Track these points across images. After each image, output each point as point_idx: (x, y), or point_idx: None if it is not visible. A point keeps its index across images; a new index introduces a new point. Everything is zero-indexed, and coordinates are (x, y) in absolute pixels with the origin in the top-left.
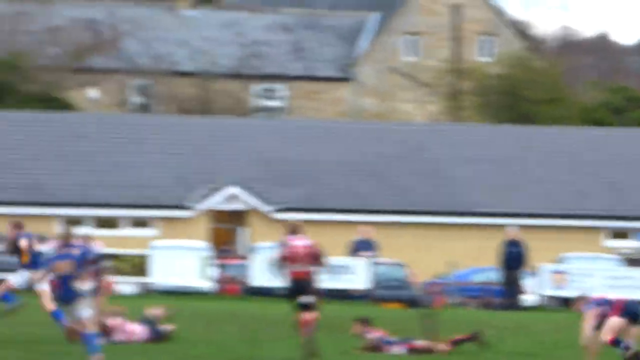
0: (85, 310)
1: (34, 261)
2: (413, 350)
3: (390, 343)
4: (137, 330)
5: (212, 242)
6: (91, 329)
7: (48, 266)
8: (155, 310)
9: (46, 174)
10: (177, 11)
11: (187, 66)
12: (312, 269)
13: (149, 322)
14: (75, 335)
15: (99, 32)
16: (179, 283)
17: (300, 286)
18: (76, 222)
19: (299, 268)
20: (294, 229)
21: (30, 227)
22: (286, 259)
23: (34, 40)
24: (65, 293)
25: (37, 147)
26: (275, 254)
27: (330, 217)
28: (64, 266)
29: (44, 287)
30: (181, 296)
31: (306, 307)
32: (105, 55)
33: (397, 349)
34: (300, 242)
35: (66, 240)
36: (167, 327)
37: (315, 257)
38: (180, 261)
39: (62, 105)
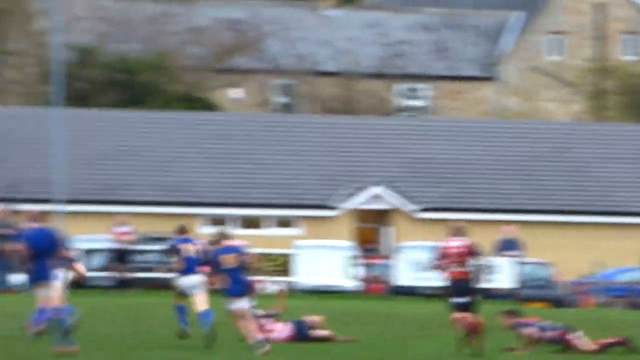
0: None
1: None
2: (562, 341)
3: (544, 329)
4: (278, 328)
5: (356, 241)
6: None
7: (215, 261)
8: (314, 318)
9: (191, 174)
10: (319, 11)
11: (330, 66)
12: (469, 269)
13: (299, 324)
14: None
15: (242, 32)
16: (323, 282)
17: (457, 287)
18: (220, 222)
19: (456, 268)
20: (456, 231)
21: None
22: (441, 260)
23: (178, 40)
24: (234, 286)
25: (182, 147)
26: (431, 256)
27: (474, 217)
28: (230, 260)
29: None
30: (325, 295)
31: (462, 307)
32: (248, 56)
33: (550, 336)
34: (455, 243)
35: (222, 240)
36: (322, 332)
37: (469, 257)
38: (324, 260)
39: (205, 105)
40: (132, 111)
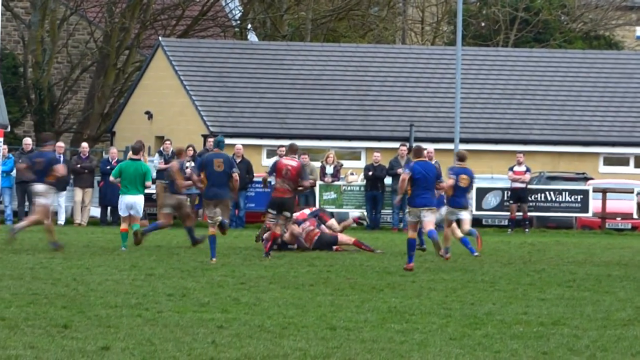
0: None
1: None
2: None
3: None
4: None
5: None
6: None
7: None
8: None
9: (589, 113)
10: None
11: None
12: None
13: None
14: None
15: None
16: None
17: None
18: (619, 162)
19: None
20: None
21: (573, 167)
22: None
23: None
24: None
25: (581, 85)
26: None
27: None
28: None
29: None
30: None
31: None
32: None
33: None
34: None
35: None
36: None
37: None
38: None
39: (608, 43)
40: (533, 49)
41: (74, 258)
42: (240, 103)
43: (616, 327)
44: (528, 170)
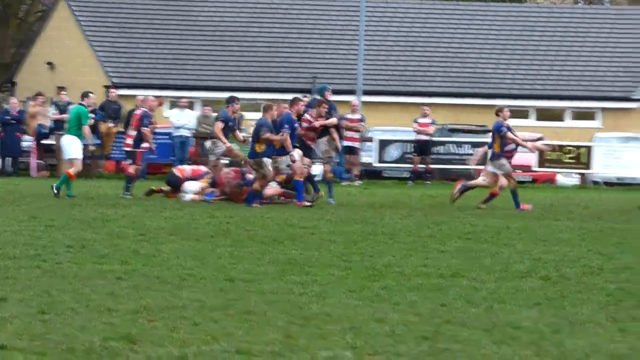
0: None
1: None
2: None
3: None
4: None
5: None
6: None
7: None
8: None
9: (489, 66)
10: None
11: None
12: None
13: None
14: None
15: None
16: (621, 175)
17: None
18: (519, 114)
19: None
20: None
21: (474, 119)
22: None
23: None
24: None
25: (482, 38)
26: None
27: None
28: None
29: None
30: (621, 188)
31: None
32: None
33: None
34: None
35: None
36: None
37: None
38: (623, 153)
39: None
40: (436, 1)
41: None
42: (142, 54)
43: (514, 279)
44: (433, 122)
